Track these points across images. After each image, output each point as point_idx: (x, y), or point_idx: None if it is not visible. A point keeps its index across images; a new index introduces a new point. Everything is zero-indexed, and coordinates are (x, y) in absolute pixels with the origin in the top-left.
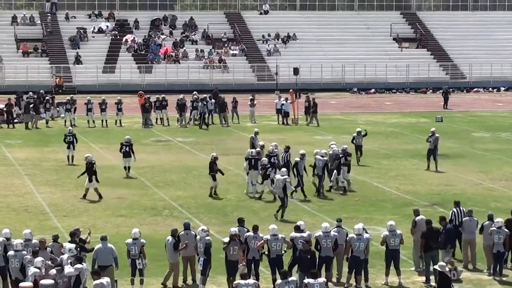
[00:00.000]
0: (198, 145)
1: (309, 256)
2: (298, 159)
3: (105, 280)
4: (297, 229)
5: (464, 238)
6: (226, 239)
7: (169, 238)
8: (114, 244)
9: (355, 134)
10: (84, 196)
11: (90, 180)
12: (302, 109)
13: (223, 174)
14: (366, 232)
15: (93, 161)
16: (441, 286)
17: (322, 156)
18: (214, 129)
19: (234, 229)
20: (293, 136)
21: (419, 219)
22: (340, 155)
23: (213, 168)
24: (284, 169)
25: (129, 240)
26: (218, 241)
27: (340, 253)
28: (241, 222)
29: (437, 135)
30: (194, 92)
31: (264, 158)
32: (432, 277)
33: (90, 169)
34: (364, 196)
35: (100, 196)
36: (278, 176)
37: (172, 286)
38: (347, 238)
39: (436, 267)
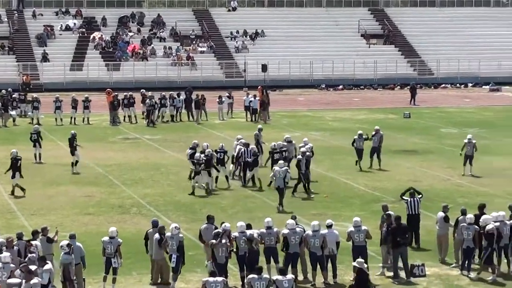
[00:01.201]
0: (166, 143)
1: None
2: (300, 156)
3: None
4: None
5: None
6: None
7: (156, 235)
8: (82, 243)
9: (356, 137)
10: (12, 192)
11: (13, 176)
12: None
13: (218, 170)
14: (328, 228)
15: (18, 157)
16: (359, 282)
17: (305, 153)
18: (182, 127)
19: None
20: (268, 133)
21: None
22: (276, 150)
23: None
24: (281, 161)
25: (106, 238)
26: (187, 238)
27: (300, 250)
28: (210, 219)
29: (381, 133)
30: (142, 91)
31: (197, 154)
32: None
33: (15, 165)
34: (333, 193)
35: (23, 191)
36: (277, 168)
37: (162, 282)
38: (304, 235)
39: (354, 263)
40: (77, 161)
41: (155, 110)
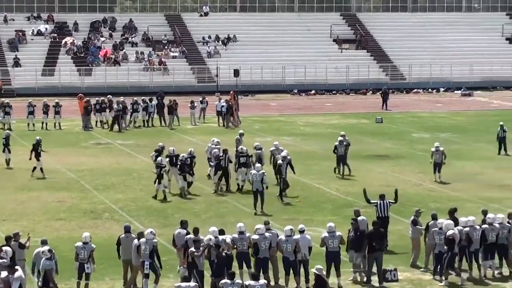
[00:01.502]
0: (138, 148)
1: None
2: (280, 161)
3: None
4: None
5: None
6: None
7: (135, 241)
8: (54, 248)
9: (337, 143)
10: None
11: None
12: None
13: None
14: (301, 233)
15: None
16: None
17: (285, 157)
18: (154, 132)
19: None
20: (233, 138)
21: (360, 219)
22: (243, 154)
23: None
24: (259, 165)
25: (79, 244)
26: (159, 243)
27: (272, 256)
28: (183, 224)
29: (347, 139)
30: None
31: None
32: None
33: None
34: (305, 197)
35: None
36: (254, 171)
37: None
38: (277, 240)
39: (313, 270)
40: (41, 168)
41: (125, 115)
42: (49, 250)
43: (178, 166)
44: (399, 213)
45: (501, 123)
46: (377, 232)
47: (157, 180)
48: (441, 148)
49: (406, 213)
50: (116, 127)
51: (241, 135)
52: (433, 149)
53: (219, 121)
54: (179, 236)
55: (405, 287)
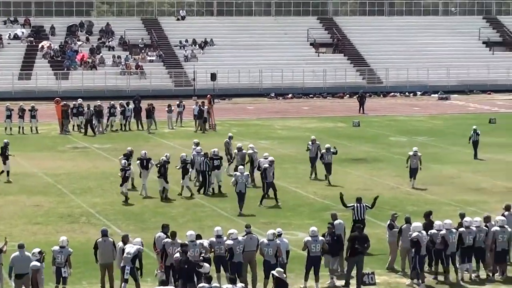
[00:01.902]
0: (115, 152)
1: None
2: (267, 165)
3: None
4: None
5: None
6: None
7: (120, 243)
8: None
9: (323, 151)
10: None
11: None
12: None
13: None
14: (278, 236)
15: None
16: None
17: (266, 158)
18: (131, 135)
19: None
20: (210, 142)
21: (337, 223)
22: (217, 157)
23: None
24: (241, 166)
25: (56, 248)
26: None
27: (252, 259)
28: (164, 228)
29: (318, 143)
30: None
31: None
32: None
33: None
34: (282, 201)
35: None
36: (237, 173)
37: None
38: (258, 243)
39: (274, 272)
40: (8, 171)
41: (101, 119)
42: (39, 252)
43: (158, 169)
44: (376, 217)
45: (474, 126)
46: (360, 235)
47: (121, 183)
48: (419, 154)
49: (383, 216)
50: (90, 131)
51: (230, 138)
52: (410, 153)
53: (196, 125)
54: (159, 239)
55: None
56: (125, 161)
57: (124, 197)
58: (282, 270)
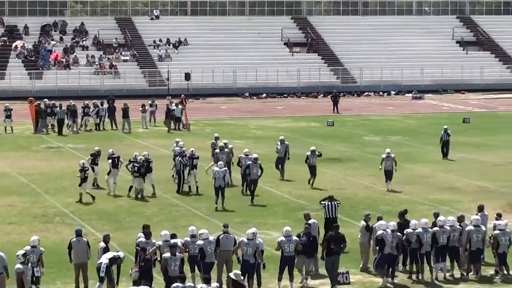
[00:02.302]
0: (89, 152)
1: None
2: (250, 162)
3: None
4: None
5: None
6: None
7: (101, 243)
8: (4, 253)
9: (308, 153)
10: None
11: None
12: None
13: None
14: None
15: None
16: None
17: (247, 155)
18: (106, 135)
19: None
20: (185, 142)
21: (311, 222)
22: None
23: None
24: (221, 162)
25: (27, 248)
26: (112, 248)
27: (229, 259)
28: (145, 228)
29: (286, 143)
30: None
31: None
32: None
33: None
34: (257, 201)
35: None
36: (216, 168)
37: None
38: (236, 243)
39: (230, 274)
40: None
41: (76, 118)
42: (23, 254)
43: (136, 168)
44: (351, 216)
45: (445, 126)
46: (337, 235)
47: (80, 183)
48: (392, 155)
49: (357, 216)
50: (66, 130)
51: (216, 138)
52: (384, 156)
53: (175, 125)
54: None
55: None
56: (84, 161)
57: (79, 196)
58: (239, 272)
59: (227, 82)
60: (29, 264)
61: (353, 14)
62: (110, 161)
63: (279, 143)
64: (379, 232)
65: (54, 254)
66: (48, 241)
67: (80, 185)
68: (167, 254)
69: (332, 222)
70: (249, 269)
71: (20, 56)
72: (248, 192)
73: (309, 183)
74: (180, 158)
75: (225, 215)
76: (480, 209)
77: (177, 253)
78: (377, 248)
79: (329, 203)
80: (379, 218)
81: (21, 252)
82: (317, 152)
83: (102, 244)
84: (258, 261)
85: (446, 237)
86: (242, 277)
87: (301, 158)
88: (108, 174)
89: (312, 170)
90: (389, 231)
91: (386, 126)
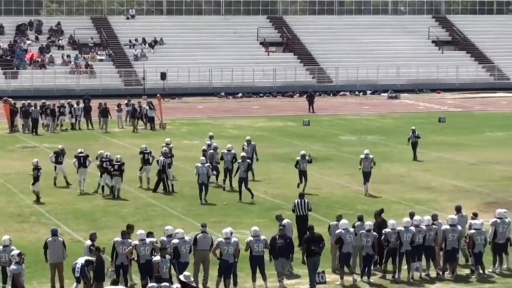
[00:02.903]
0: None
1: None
2: (240, 160)
3: None
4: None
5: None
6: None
7: (87, 241)
8: None
9: (298, 158)
10: None
11: None
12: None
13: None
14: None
15: None
16: None
17: (229, 150)
18: (81, 135)
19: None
20: (160, 142)
21: (285, 223)
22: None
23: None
24: (203, 158)
25: None
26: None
27: (206, 258)
28: (128, 228)
29: (253, 143)
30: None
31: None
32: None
33: None
34: (233, 200)
35: None
36: (199, 165)
37: None
38: (216, 242)
39: (180, 276)
40: None
41: (55, 117)
42: (18, 254)
43: (116, 166)
44: (326, 216)
45: (413, 127)
46: (313, 236)
47: (32, 182)
48: (371, 156)
49: (333, 215)
50: (42, 130)
51: (211, 137)
52: (362, 156)
53: (146, 125)
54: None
55: None
56: (37, 160)
57: (35, 196)
58: (189, 274)
59: (203, 81)
60: (23, 265)
61: (328, 14)
62: (75, 160)
63: (245, 143)
64: (338, 231)
65: (30, 254)
66: (25, 241)
67: (33, 184)
68: (157, 258)
69: (302, 219)
70: (227, 269)
71: None
72: (229, 189)
73: (298, 187)
74: (164, 158)
75: (200, 215)
76: (458, 210)
77: (166, 256)
78: (338, 246)
79: (300, 200)
80: (360, 218)
81: (16, 252)
82: (307, 157)
83: (88, 242)
84: (234, 260)
85: (422, 236)
86: (192, 279)
87: (276, 157)
88: (77, 172)
89: (303, 175)
90: (351, 230)
91: (362, 126)
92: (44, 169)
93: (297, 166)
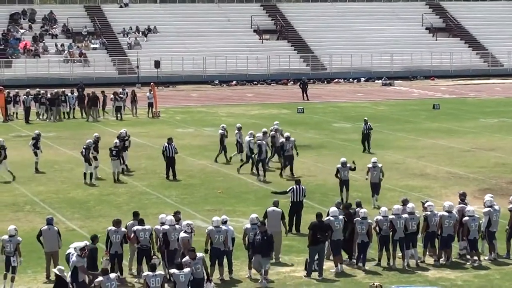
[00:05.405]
0: (59, 140)
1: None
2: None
3: None
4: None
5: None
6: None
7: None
8: None
9: (339, 166)
10: None
11: None
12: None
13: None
14: (223, 223)
15: None
16: None
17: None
18: (76, 124)
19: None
20: (155, 130)
21: (271, 210)
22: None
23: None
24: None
25: (5, 237)
26: (80, 235)
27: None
28: (136, 216)
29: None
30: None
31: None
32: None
33: None
34: (228, 188)
35: None
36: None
37: None
38: (207, 231)
39: (55, 270)
40: None
41: (54, 106)
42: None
43: (114, 152)
44: (321, 203)
45: (365, 118)
46: (321, 224)
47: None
48: (379, 165)
49: (328, 203)
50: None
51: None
52: (369, 165)
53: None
54: (129, 227)
55: (327, 276)
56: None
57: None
58: (63, 268)
59: (197, 69)
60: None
61: (322, 1)
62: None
63: (236, 131)
64: (326, 218)
65: (25, 243)
66: (19, 230)
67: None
68: (166, 227)
69: (298, 205)
70: (220, 257)
71: None
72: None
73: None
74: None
75: (196, 203)
76: (404, 202)
77: (176, 226)
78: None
79: (297, 186)
80: (358, 204)
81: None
82: (348, 165)
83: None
84: (230, 248)
85: (416, 224)
86: (65, 274)
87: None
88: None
89: (345, 185)
90: (341, 217)
91: (355, 113)
92: (47, 157)
93: (338, 175)
